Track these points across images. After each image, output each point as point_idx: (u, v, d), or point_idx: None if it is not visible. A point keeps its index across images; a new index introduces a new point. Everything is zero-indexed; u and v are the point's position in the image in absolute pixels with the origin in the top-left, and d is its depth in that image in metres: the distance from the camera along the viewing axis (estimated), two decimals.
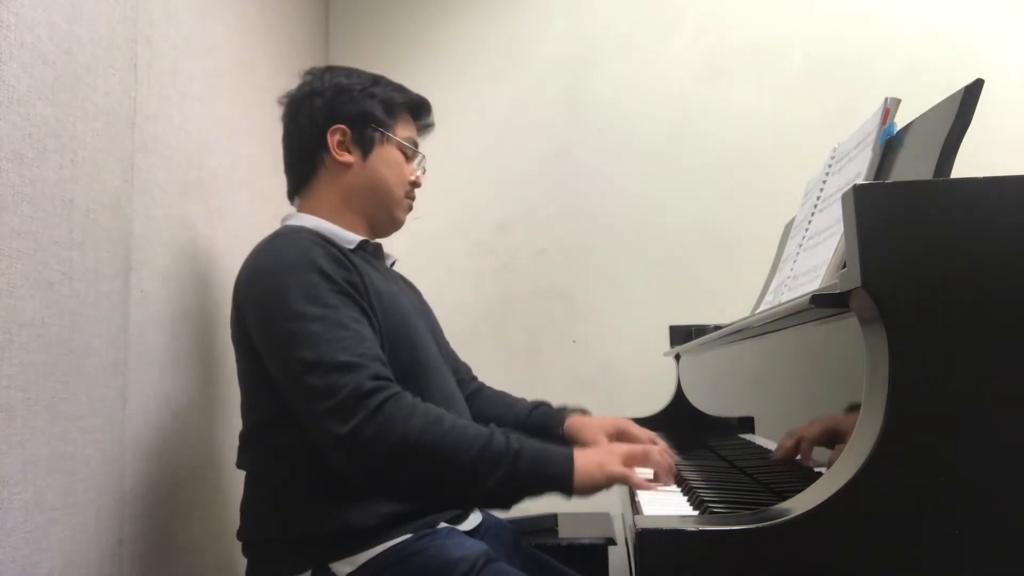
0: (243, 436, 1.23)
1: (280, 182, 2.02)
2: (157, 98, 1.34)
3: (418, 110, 1.37)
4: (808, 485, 0.71)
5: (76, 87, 1.09)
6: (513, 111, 2.44)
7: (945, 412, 0.67)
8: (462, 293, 2.36)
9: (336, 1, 2.58)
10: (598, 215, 2.35)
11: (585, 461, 1.02)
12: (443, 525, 1.17)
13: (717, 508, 0.90)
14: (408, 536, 1.10)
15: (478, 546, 1.11)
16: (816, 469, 0.89)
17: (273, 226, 1.83)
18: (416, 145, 1.36)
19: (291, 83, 2.20)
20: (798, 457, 0.96)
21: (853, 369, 0.75)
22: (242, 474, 1.21)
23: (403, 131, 1.33)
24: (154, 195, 1.32)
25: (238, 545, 1.20)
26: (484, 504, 1.09)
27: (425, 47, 2.51)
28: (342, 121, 1.27)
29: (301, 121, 1.30)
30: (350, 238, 1.24)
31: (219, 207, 1.59)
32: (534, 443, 1.03)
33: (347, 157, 1.28)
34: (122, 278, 1.20)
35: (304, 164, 1.31)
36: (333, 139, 1.27)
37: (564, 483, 1.01)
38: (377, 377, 1.01)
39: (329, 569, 1.07)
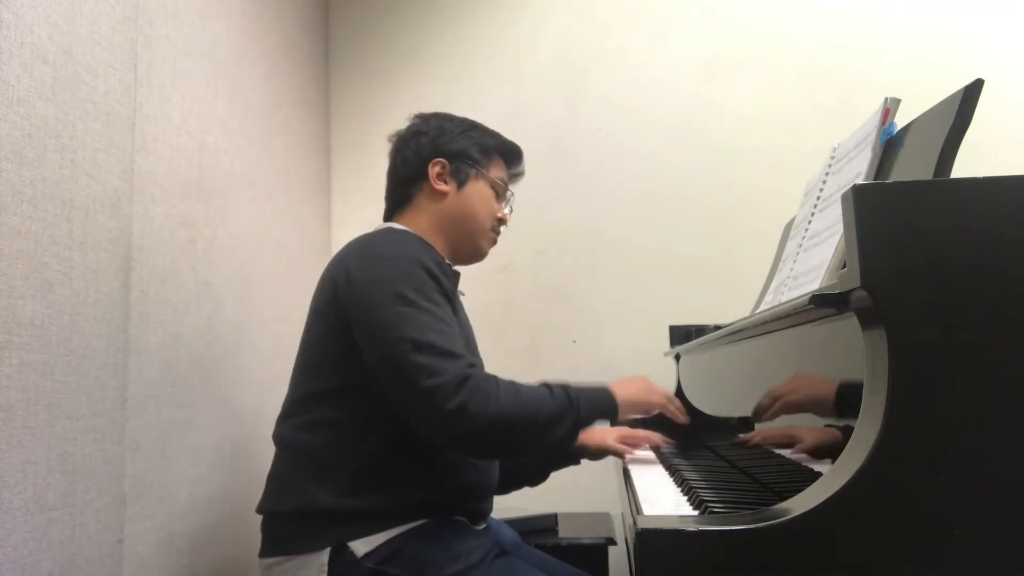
0: (291, 405, 1.28)
1: (279, 181, 2.02)
2: (157, 98, 1.34)
3: (510, 155, 1.49)
4: (808, 485, 0.71)
5: (76, 87, 1.09)
6: (513, 111, 2.44)
7: (945, 412, 0.67)
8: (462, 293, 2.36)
9: (336, 1, 2.58)
10: (598, 215, 2.35)
11: (623, 393, 1.29)
12: (458, 519, 1.25)
13: (717, 508, 0.90)
14: (425, 521, 1.18)
15: (491, 538, 1.22)
16: (816, 468, 0.89)
17: (274, 225, 1.82)
18: (507, 186, 1.48)
19: (291, 83, 2.20)
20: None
21: (853, 369, 0.75)
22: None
23: (495, 172, 1.45)
24: (154, 195, 1.32)
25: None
26: (552, 448, 1.28)
27: (425, 47, 2.51)
28: (442, 155, 1.40)
29: (407, 155, 1.42)
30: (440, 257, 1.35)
31: (219, 207, 1.59)
32: (581, 389, 1.24)
33: (444, 187, 1.39)
34: (122, 278, 1.20)
35: (404, 190, 1.42)
36: (433, 170, 1.39)
37: (611, 414, 1.27)
38: (472, 365, 1.15)
39: (348, 547, 1.13)
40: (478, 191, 1.41)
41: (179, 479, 1.37)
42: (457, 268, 1.44)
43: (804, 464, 0.94)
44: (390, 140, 1.47)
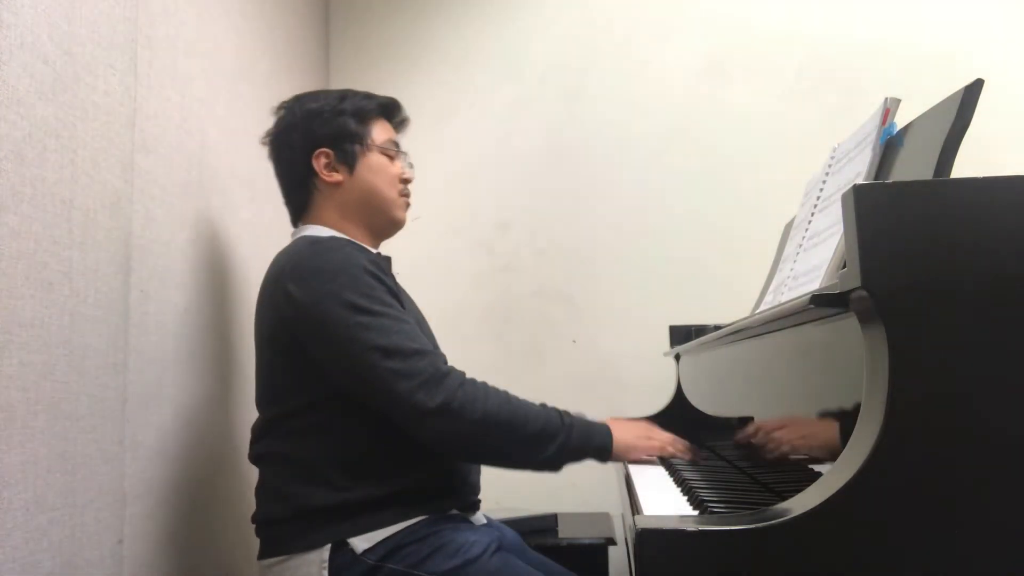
0: (264, 425, 1.27)
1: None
2: (157, 98, 1.34)
3: (389, 111, 1.43)
4: (808, 485, 0.71)
5: (76, 87, 1.09)
6: (513, 111, 2.43)
7: (945, 412, 0.67)
8: (462, 293, 2.36)
9: (336, 1, 2.58)
10: (598, 215, 2.35)
11: (621, 435, 1.25)
12: (455, 512, 1.26)
13: (717, 508, 0.90)
14: (424, 518, 1.18)
15: (490, 533, 1.23)
16: (815, 468, 0.89)
17: (274, 225, 1.83)
18: (397, 145, 1.42)
19: (291, 84, 2.20)
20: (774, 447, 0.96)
21: (853, 369, 0.75)
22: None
23: (381, 135, 1.38)
24: (154, 195, 1.32)
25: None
26: (537, 468, 1.22)
27: (425, 47, 2.51)
28: (322, 144, 1.34)
29: (285, 155, 1.37)
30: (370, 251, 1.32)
31: (219, 207, 1.59)
32: (578, 417, 1.22)
33: (336, 176, 1.34)
34: (122, 278, 1.20)
35: (299, 193, 1.37)
36: (319, 163, 1.34)
37: (604, 453, 1.23)
38: (445, 363, 1.16)
39: (348, 544, 1.13)
40: (371, 165, 1.35)
41: (179, 479, 1.37)
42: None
43: (804, 464, 0.94)
44: (263, 143, 1.42)
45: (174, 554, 1.34)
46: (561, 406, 1.50)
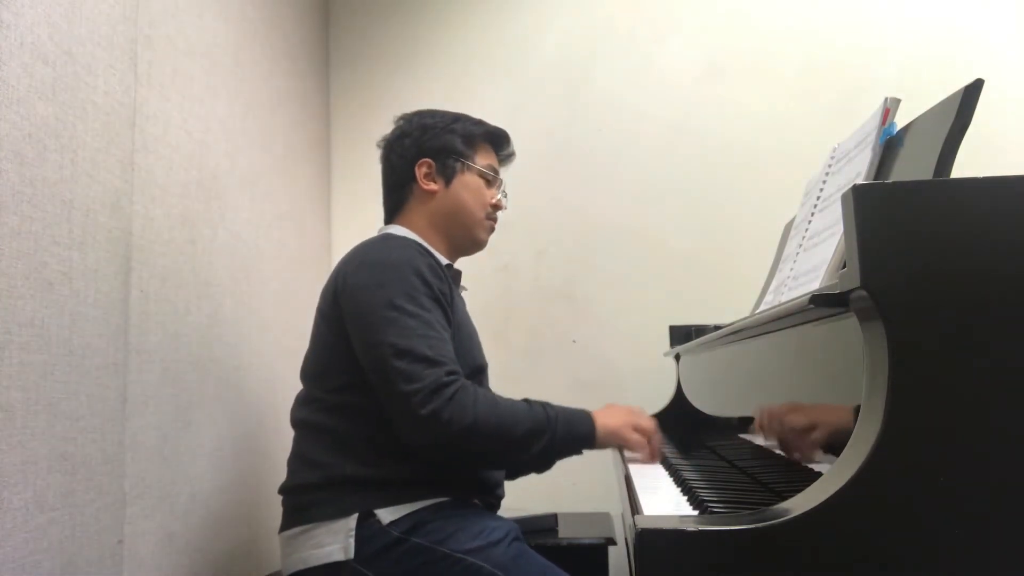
0: (308, 394, 1.34)
1: (279, 181, 2.02)
2: (157, 98, 1.34)
3: (497, 141, 1.51)
4: (808, 485, 0.71)
5: (76, 87, 1.09)
6: (513, 111, 2.43)
7: (945, 412, 0.67)
8: (462, 293, 2.36)
9: (336, 1, 2.58)
10: (598, 215, 2.35)
11: (604, 420, 1.28)
12: (476, 502, 1.31)
13: (717, 508, 0.90)
14: (448, 499, 1.24)
15: (510, 523, 1.27)
16: (815, 468, 0.89)
17: (274, 225, 1.83)
18: (496, 172, 1.49)
19: (291, 84, 2.20)
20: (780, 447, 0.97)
21: (853, 369, 0.75)
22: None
23: (483, 160, 1.47)
24: (154, 195, 1.32)
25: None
26: (526, 466, 1.27)
27: (425, 47, 2.51)
28: (427, 155, 1.43)
29: (394, 160, 1.46)
30: (440, 258, 1.38)
31: (219, 207, 1.59)
32: (561, 409, 1.25)
33: (432, 186, 1.43)
34: (122, 278, 1.20)
35: (397, 194, 1.46)
36: (420, 171, 1.43)
37: (589, 440, 1.25)
38: (451, 373, 1.18)
39: (375, 515, 1.18)
40: (466, 184, 1.43)
41: (179, 479, 1.37)
42: (460, 262, 1.47)
43: (804, 464, 0.94)
44: (379, 146, 1.51)
45: (174, 554, 1.34)
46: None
